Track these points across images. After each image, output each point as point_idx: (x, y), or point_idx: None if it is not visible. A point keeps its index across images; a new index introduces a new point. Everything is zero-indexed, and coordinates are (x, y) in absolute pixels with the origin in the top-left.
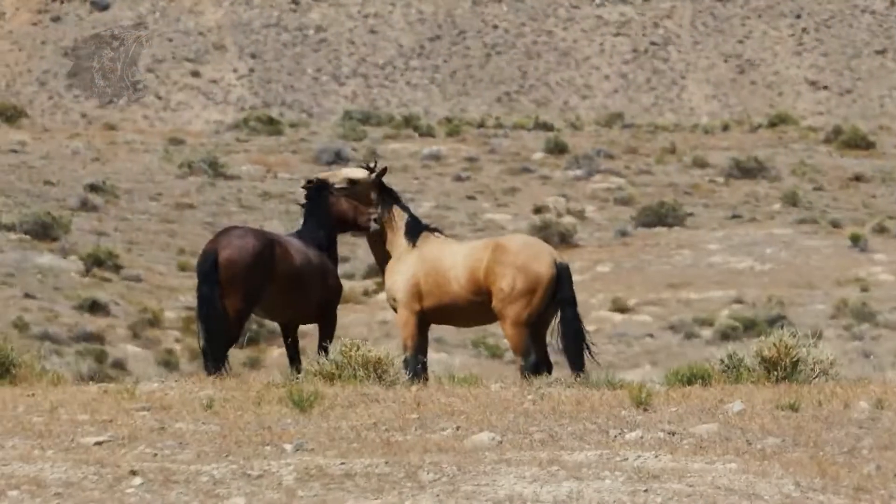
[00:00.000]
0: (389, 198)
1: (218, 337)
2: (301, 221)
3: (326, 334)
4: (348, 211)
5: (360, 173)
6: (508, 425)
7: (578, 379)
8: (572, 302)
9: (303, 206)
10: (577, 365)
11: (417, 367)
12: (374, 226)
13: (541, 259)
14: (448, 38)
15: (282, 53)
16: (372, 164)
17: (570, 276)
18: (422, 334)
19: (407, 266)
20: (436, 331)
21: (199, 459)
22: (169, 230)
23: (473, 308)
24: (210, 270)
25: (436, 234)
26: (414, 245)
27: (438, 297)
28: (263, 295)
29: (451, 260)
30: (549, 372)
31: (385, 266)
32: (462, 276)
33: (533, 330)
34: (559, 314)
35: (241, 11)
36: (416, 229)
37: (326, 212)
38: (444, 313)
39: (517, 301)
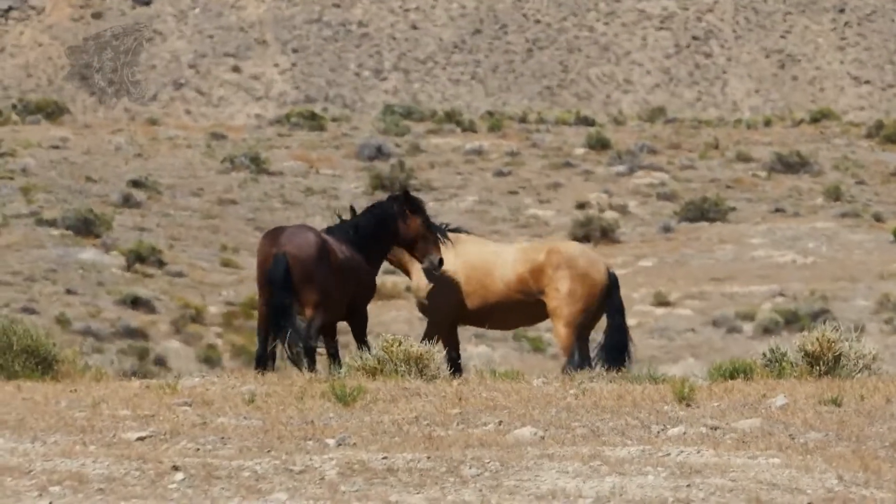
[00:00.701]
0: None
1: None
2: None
3: (360, 330)
4: (413, 240)
5: None
6: (551, 420)
7: (617, 373)
8: (621, 310)
9: (368, 209)
10: (616, 365)
11: (457, 362)
12: (427, 264)
13: (597, 266)
14: (489, 32)
15: (323, 48)
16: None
17: (618, 285)
18: (453, 334)
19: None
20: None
21: (242, 454)
22: (211, 226)
23: (515, 308)
24: (285, 275)
25: (462, 234)
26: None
27: (483, 297)
28: (332, 285)
29: (497, 261)
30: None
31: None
32: (511, 277)
33: (580, 332)
34: (609, 321)
35: (282, 7)
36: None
37: (394, 227)
38: (483, 314)
39: (575, 304)
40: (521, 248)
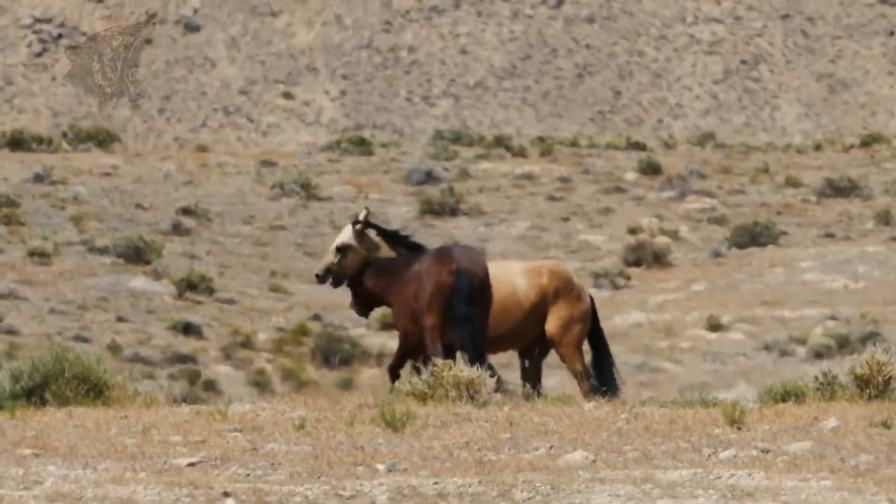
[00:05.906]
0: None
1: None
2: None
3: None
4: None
5: (345, 235)
6: (602, 444)
7: (610, 398)
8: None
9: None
10: (613, 388)
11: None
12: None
13: (585, 289)
14: (539, 57)
15: (373, 75)
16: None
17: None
18: None
19: None
20: None
21: (292, 480)
22: (261, 253)
23: (525, 330)
24: (469, 288)
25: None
26: None
27: (505, 321)
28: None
29: (511, 283)
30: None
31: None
32: (525, 301)
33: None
34: (595, 343)
35: (332, 33)
36: None
37: None
38: (503, 340)
39: (577, 325)
40: (526, 270)
